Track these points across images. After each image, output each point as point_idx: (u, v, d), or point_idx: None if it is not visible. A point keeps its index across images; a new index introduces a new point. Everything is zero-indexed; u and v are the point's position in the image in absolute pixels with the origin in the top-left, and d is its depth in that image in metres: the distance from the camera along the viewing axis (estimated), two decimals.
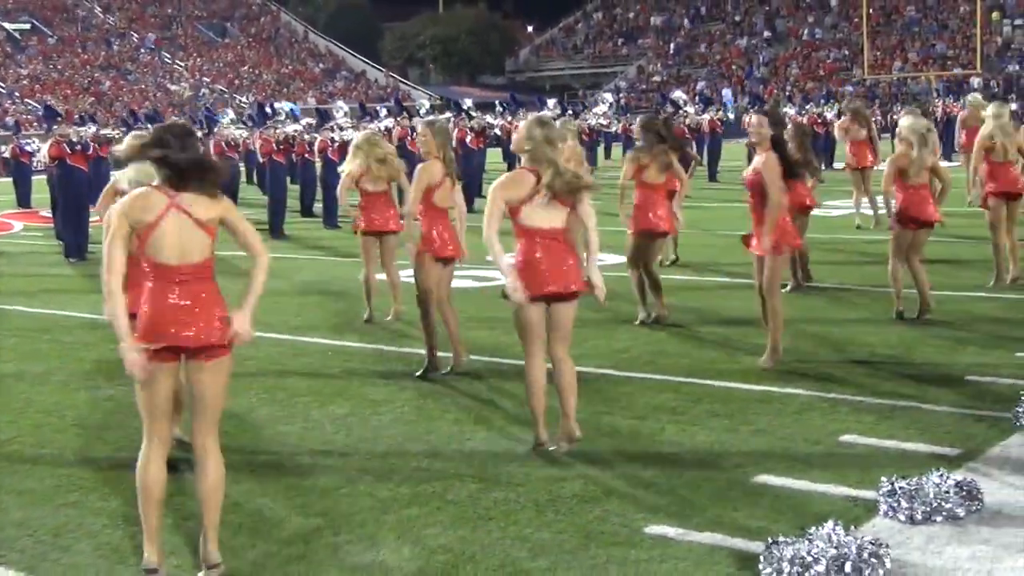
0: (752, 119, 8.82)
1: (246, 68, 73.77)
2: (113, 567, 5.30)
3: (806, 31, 69.29)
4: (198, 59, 73.44)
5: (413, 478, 6.42)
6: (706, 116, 28.12)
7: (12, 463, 7.07)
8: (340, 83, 73.58)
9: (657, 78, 69.97)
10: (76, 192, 17.29)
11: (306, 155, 20.95)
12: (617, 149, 34.72)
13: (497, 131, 26.54)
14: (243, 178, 27.67)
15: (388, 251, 11.31)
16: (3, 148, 28.33)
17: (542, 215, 6.57)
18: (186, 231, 4.94)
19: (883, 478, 5.66)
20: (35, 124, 46.66)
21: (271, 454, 7.07)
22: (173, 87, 68.47)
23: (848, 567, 4.72)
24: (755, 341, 9.35)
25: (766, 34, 70.58)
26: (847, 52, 65.44)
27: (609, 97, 39.62)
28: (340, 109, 33.01)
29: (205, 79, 70.67)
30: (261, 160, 20.32)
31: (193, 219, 4.94)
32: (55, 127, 18.95)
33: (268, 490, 6.36)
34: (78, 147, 18.15)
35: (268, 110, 27.24)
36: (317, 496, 6.23)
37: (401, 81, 75.44)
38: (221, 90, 68.83)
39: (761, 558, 4.88)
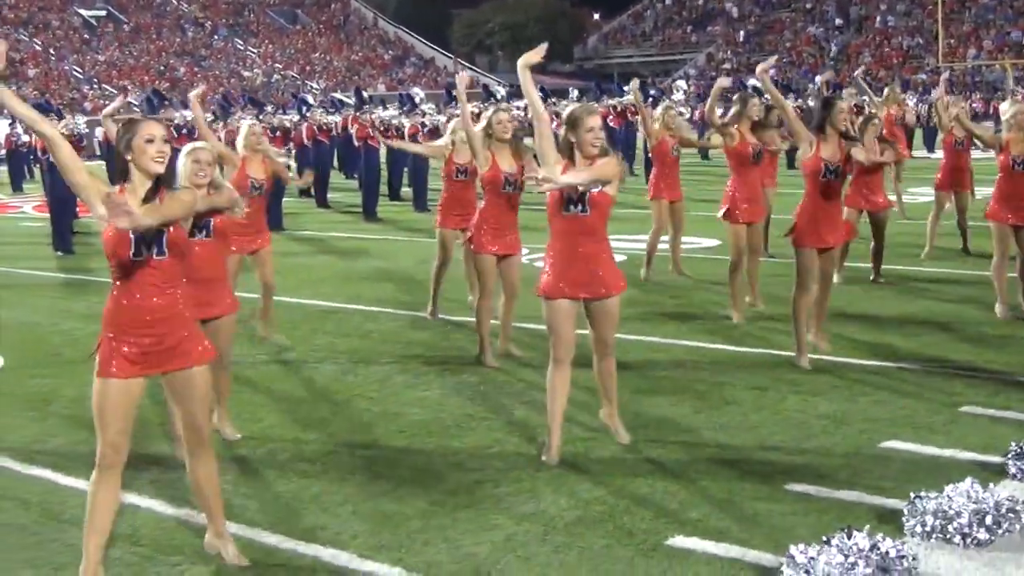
0: (844, 106, 8.41)
1: (317, 55, 74.57)
2: (378, 529, 5.73)
3: (879, 18, 68.77)
4: (270, 46, 74.35)
5: None
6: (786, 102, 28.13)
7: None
8: (409, 70, 74.22)
9: (727, 66, 69.72)
10: None
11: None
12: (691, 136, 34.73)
13: None
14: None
15: None
16: (97, 132, 29.03)
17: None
18: None
19: (1012, 442, 5.98)
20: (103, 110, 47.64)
21: (416, 416, 7.51)
22: (246, 73, 69.42)
23: (988, 520, 5.07)
24: (861, 324, 9.71)
25: (838, 21, 70.15)
26: (920, 40, 64.91)
27: (684, 84, 39.73)
28: (417, 95, 33.45)
29: (277, 65, 71.57)
30: (357, 144, 20.83)
31: None
32: (161, 111, 19.61)
33: (423, 448, 6.83)
34: (184, 130, 18.75)
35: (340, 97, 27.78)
36: (468, 455, 6.68)
37: (469, 68, 75.88)
38: (293, 76, 69.70)
39: (905, 511, 5.24)
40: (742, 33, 73.19)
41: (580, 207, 6.25)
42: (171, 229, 4.84)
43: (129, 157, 4.84)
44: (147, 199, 4.86)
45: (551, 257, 6.45)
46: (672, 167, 12.46)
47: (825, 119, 8.28)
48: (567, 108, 6.69)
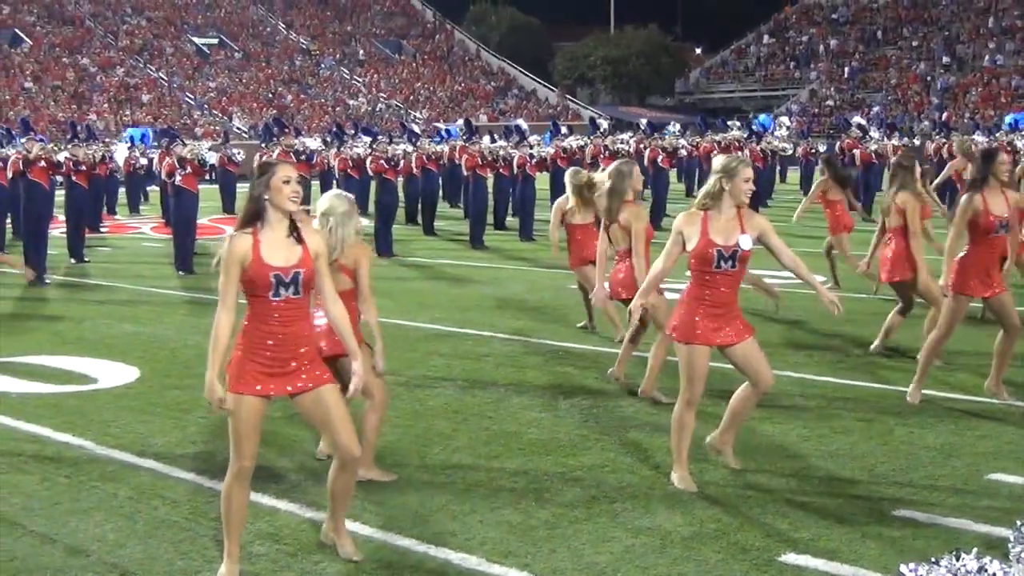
0: (1005, 157, 8.55)
1: (420, 84, 75.73)
2: (505, 537, 6.12)
3: (987, 57, 67.89)
4: (375, 75, 75.72)
5: (668, 461, 7.10)
6: (891, 142, 27.95)
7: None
8: (511, 101, 74.96)
9: (830, 102, 69.42)
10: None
11: (500, 170, 21.85)
12: (793, 173, 34.70)
13: (683, 151, 27.00)
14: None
15: None
16: (210, 157, 29.90)
17: None
18: None
19: None
20: (214, 135, 48.85)
21: (533, 435, 7.86)
22: (351, 102, 70.77)
23: None
24: (966, 360, 9.85)
25: (944, 60, 69.38)
26: None
27: (787, 120, 39.68)
28: (522, 126, 33.97)
29: (381, 95, 72.84)
30: (466, 174, 21.33)
31: None
32: (281, 137, 20.30)
33: (539, 465, 7.16)
34: (303, 157, 19.38)
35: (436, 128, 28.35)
36: (584, 471, 7.01)
37: (571, 100, 76.48)
38: (397, 105, 70.88)
39: (1011, 537, 5.43)
40: (846, 70, 72.68)
41: (731, 263, 6.57)
42: (306, 269, 5.33)
43: (267, 196, 5.34)
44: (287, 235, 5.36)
45: (690, 303, 6.66)
46: None
47: (988, 172, 8.39)
48: (717, 158, 6.87)
